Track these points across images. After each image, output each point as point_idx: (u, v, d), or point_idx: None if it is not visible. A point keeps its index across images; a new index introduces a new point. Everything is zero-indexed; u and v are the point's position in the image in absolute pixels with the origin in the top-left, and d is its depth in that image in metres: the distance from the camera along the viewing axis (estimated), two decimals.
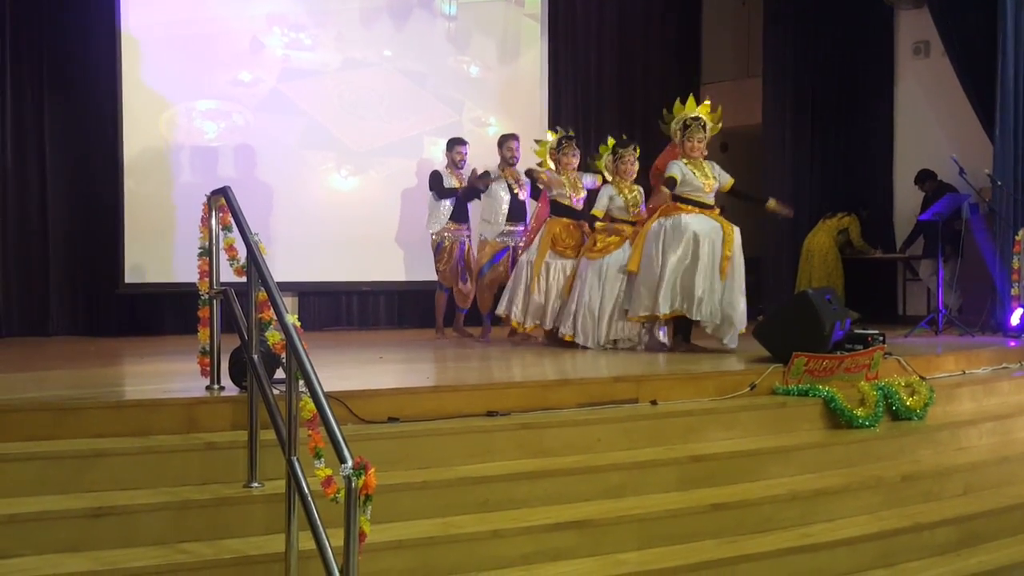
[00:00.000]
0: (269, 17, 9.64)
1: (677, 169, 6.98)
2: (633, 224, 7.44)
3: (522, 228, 8.38)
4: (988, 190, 9.11)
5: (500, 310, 7.92)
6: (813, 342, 5.86)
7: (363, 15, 10.15)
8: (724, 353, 6.74)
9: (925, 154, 10.37)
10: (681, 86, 11.95)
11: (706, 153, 7.17)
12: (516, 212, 8.38)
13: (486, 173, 8.36)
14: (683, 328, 7.12)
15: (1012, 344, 7.76)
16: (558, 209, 7.82)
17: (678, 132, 7.13)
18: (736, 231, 6.92)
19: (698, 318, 6.86)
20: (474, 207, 8.65)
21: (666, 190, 6.96)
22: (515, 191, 8.39)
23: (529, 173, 8.00)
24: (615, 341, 7.28)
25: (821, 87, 11.26)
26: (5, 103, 8.62)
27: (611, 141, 7.79)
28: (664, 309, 6.88)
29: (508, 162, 8.46)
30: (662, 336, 7.31)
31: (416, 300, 10.18)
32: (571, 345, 7.53)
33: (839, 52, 11.21)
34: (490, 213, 8.40)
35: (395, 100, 10.32)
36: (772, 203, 7.41)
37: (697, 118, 7.07)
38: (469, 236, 8.62)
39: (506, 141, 8.57)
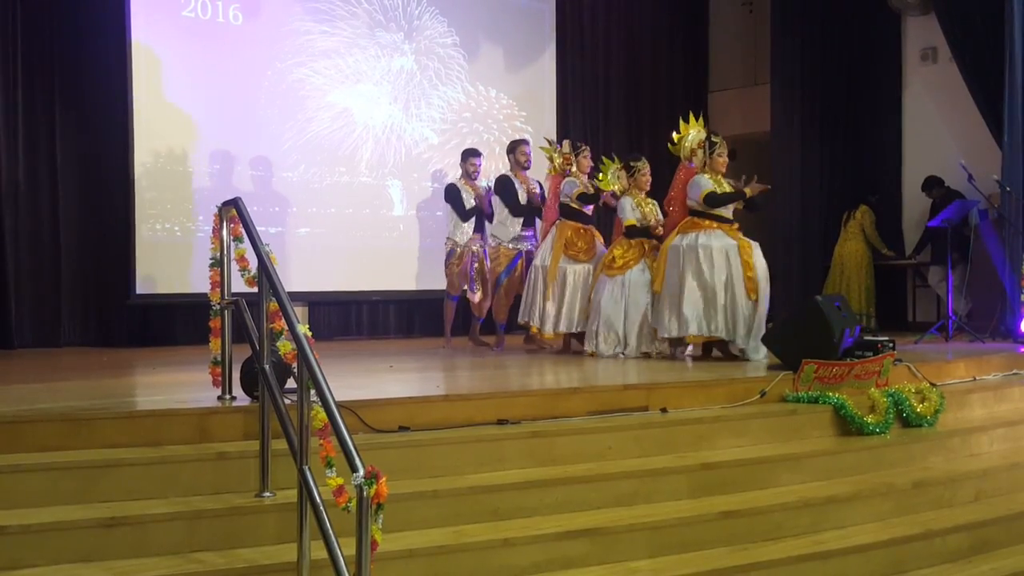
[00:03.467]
0: (281, 27, 9.67)
1: (708, 183, 7.01)
2: (652, 239, 7.45)
3: (531, 232, 8.40)
4: (997, 196, 9.10)
5: (521, 319, 7.92)
6: (823, 349, 5.86)
7: (371, 26, 10.20)
8: (743, 361, 6.73)
9: (933, 160, 10.37)
10: (689, 94, 12.03)
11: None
12: (528, 216, 8.41)
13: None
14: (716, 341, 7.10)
15: (1022, 350, 7.74)
16: (569, 213, 7.82)
17: (699, 151, 7.17)
18: (755, 247, 6.92)
19: (725, 337, 6.86)
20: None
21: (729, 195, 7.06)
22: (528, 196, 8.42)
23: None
24: (646, 354, 7.29)
25: (829, 94, 11.27)
26: (17, 114, 8.65)
27: (617, 160, 7.80)
28: (690, 331, 6.89)
29: (521, 166, 8.48)
30: (690, 350, 7.32)
31: (426, 309, 10.18)
32: (590, 355, 7.52)
33: (847, 59, 11.22)
34: (505, 216, 8.43)
35: (404, 110, 10.35)
36: (748, 190, 7.12)
37: (717, 135, 7.15)
38: (483, 247, 8.61)
39: (518, 146, 8.59)
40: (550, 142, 8.34)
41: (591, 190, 7.83)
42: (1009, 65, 8.98)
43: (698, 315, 6.87)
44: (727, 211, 7.08)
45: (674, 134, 7.39)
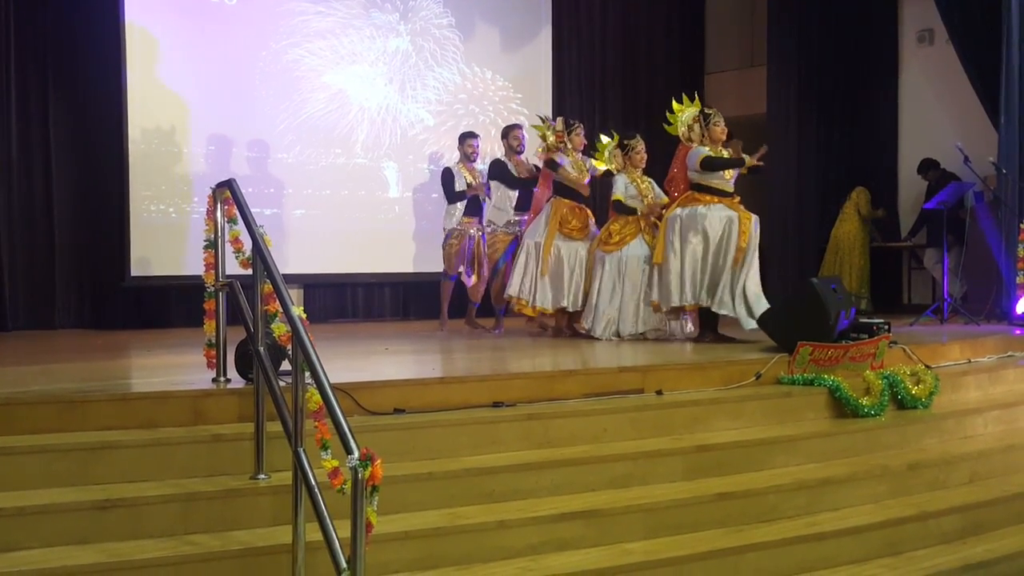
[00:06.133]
0: (276, 7, 9.61)
1: (706, 150, 6.99)
2: (636, 215, 7.46)
3: (528, 217, 8.37)
4: (993, 178, 9.09)
5: (507, 291, 7.89)
6: (818, 331, 5.85)
7: (366, 6, 10.14)
8: (747, 343, 6.69)
9: (930, 142, 10.35)
10: (685, 75, 11.98)
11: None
12: (524, 201, 8.38)
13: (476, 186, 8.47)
14: (710, 319, 7.10)
15: (1017, 332, 7.75)
16: (563, 190, 7.81)
17: (695, 126, 7.14)
18: (754, 220, 6.91)
19: (718, 310, 6.86)
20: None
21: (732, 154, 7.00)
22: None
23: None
24: (643, 333, 7.28)
25: (826, 76, 11.23)
26: (10, 95, 8.60)
27: (616, 137, 7.78)
28: (687, 300, 6.92)
29: (515, 151, 8.45)
30: (688, 325, 7.31)
31: (422, 291, 10.17)
32: (586, 336, 7.51)
33: (843, 41, 11.17)
34: (501, 201, 8.41)
35: (400, 92, 10.31)
36: (749, 159, 6.99)
37: (711, 108, 7.09)
38: (481, 231, 8.57)
39: (511, 131, 8.57)
40: (543, 119, 8.29)
41: (584, 168, 7.83)
42: (1006, 47, 8.96)
43: (693, 284, 6.90)
44: (728, 184, 7.04)
45: (668, 114, 7.37)
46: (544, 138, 8.11)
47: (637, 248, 7.33)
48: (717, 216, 6.87)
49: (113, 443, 3.94)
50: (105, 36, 8.82)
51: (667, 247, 7.04)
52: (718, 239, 6.85)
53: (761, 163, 7.04)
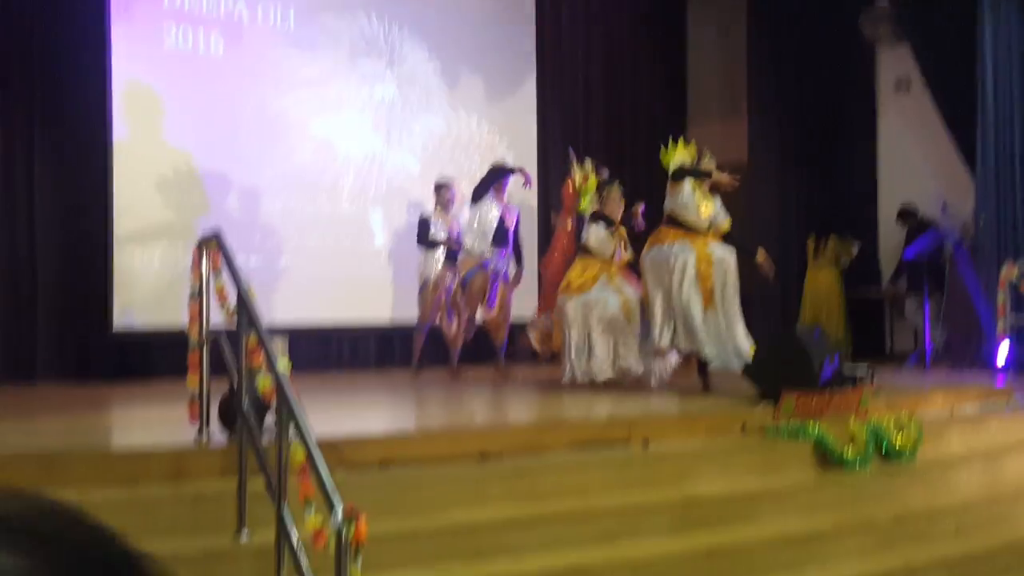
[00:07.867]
0: (263, 57, 9.67)
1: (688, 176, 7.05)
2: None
3: (503, 252, 8.36)
4: (971, 225, 9.18)
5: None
6: (804, 379, 5.86)
7: (351, 53, 10.20)
8: (732, 393, 6.60)
9: (908, 189, 10.46)
10: (668, 126, 12.05)
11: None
12: (499, 237, 8.37)
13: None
14: (702, 365, 7.06)
15: (999, 380, 7.78)
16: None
17: (687, 161, 7.23)
18: (719, 258, 6.82)
19: (694, 349, 6.83)
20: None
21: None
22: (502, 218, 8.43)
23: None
24: (616, 376, 7.24)
25: (805, 125, 11.36)
26: None
27: (593, 180, 7.84)
28: (663, 342, 6.91)
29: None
30: (670, 365, 7.28)
31: (407, 340, 10.12)
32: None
33: (822, 90, 11.32)
34: (470, 243, 8.41)
35: (387, 139, 10.35)
36: (760, 256, 7.26)
37: (707, 153, 7.25)
38: (456, 279, 8.58)
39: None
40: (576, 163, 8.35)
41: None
42: (981, 95, 9.09)
43: (661, 326, 6.90)
44: (701, 223, 7.03)
45: (666, 148, 7.35)
46: (574, 182, 8.15)
47: (599, 292, 7.30)
48: (672, 255, 6.86)
49: (93, 502, 3.88)
50: (92, 86, 8.83)
51: (645, 287, 7.09)
52: (673, 279, 6.80)
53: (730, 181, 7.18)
